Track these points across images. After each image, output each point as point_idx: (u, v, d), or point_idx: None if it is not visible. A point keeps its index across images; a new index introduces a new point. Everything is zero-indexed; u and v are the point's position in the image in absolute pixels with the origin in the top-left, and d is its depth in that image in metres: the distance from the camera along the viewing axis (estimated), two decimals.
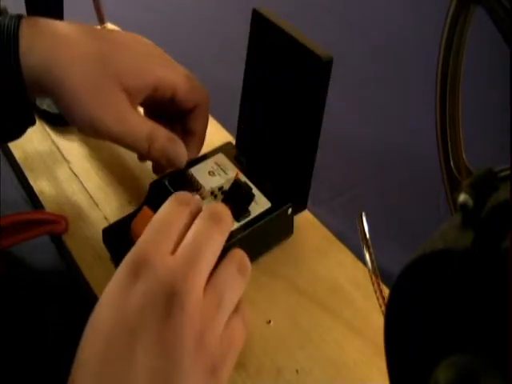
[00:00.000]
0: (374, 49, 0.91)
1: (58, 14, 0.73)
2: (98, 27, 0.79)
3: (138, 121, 0.55)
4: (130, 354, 0.38)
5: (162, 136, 0.56)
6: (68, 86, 0.52)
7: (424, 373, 0.28)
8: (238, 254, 0.44)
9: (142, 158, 0.62)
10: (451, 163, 0.39)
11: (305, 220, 0.63)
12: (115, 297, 0.40)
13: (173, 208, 0.44)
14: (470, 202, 0.27)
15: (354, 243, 0.61)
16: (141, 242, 0.42)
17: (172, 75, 0.57)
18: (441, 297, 0.28)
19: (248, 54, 0.61)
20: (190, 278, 0.40)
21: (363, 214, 0.51)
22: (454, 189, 0.39)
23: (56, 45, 0.53)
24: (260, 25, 0.58)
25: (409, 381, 0.30)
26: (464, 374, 0.26)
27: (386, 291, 0.52)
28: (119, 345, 0.38)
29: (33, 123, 0.57)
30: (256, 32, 0.59)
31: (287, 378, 0.51)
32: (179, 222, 0.43)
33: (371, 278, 0.52)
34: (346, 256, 0.60)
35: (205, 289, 0.41)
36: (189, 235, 0.42)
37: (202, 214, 0.44)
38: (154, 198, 0.59)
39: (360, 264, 0.59)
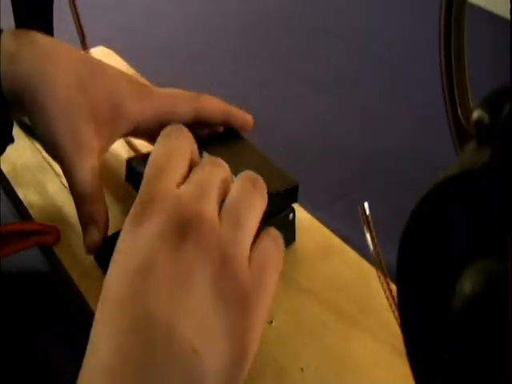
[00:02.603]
0: (374, 57, 0.90)
1: (48, 30, 0.72)
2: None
3: (91, 166, 0.53)
4: (140, 297, 0.34)
5: (100, 210, 0.54)
6: (45, 105, 0.52)
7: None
8: (248, 173, 0.41)
9: None
10: (458, 111, 0.37)
11: (305, 221, 0.60)
12: (125, 241, 0.37)
13: (170, 142, 0.41)
14: (486, 118, 0.25)
15: (356, 246, 0.58)
16: (143, 185, 0.39)
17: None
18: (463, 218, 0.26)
19: None
20: (202, 203, 0.36)
21: (365, 203, 0.50)
22: (463, 140, 0.37)
23: (44, 57, 0.52)
24: None
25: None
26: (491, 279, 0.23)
27: (393, 287, 0.49)
28: (129, 290, 0.34)
29: (11, 141, 0.55)
30: None
31: (292, 376, 0.48)
32: (181, 152, 0.40)
33: (377, 271, 0.49)
34: (349, 255, 0.58)
35: (220, 215, 0.37)
36: (192, 175, 0.39)
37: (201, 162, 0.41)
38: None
39: (364, 262, 0.56)
